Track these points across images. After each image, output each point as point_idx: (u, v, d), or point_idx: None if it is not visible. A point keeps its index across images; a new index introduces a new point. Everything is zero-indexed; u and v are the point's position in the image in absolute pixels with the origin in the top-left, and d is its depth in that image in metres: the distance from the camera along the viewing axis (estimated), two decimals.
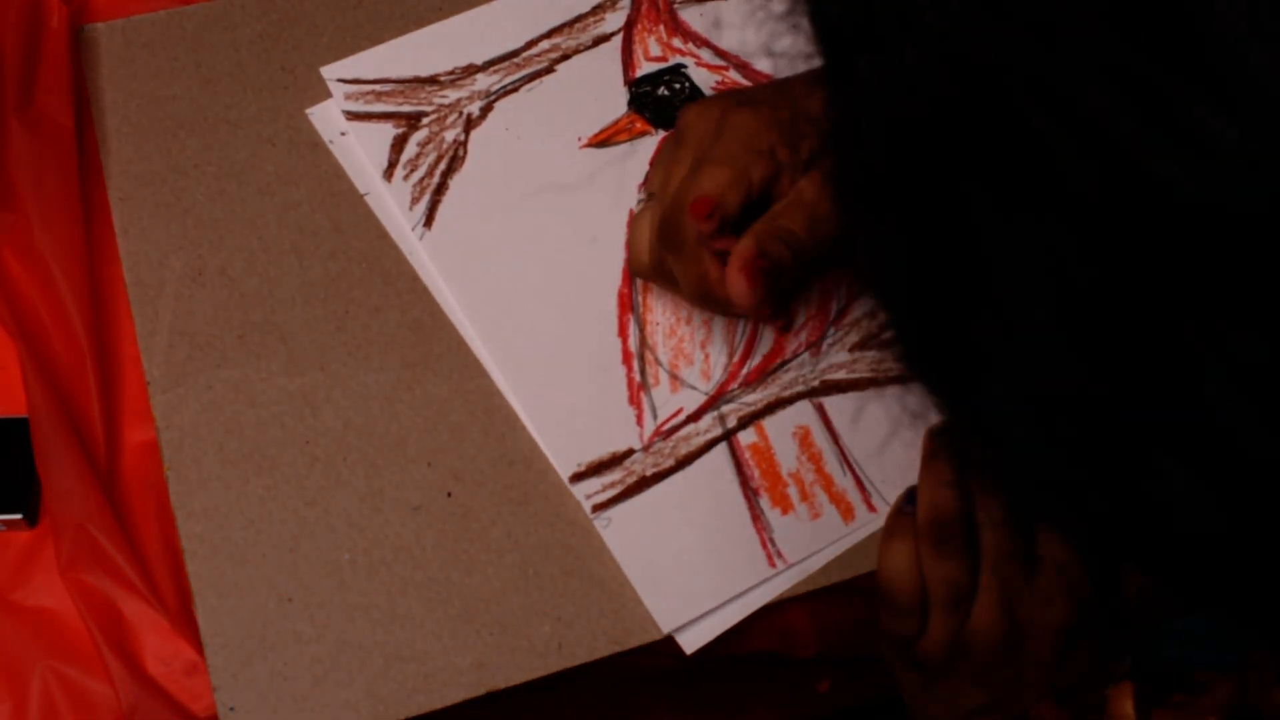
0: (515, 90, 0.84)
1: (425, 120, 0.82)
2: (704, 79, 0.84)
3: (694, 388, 0.75)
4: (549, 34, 0.85)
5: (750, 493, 0.73)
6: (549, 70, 0.84)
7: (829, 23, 0.31)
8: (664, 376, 0.76)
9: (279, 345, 0.76)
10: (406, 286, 0.78)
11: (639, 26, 0.86)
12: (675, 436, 0.74)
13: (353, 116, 0.82)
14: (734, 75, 0.84)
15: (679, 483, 0.73)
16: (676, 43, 0.85)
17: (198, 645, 0.69)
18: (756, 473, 0.73)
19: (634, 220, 0.74)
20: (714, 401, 0.75)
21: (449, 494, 0.72)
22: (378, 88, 0.83)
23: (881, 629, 0.65)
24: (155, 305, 0.76)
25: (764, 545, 0.72)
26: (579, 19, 0.86)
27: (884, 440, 0.74)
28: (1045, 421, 0.30)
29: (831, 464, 0.74)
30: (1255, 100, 0.24)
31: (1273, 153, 0.24)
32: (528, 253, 0.79)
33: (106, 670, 0.68)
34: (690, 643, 0.70)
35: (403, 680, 0.68)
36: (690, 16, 0.86)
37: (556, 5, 0.86)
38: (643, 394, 0.75)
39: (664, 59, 0.85)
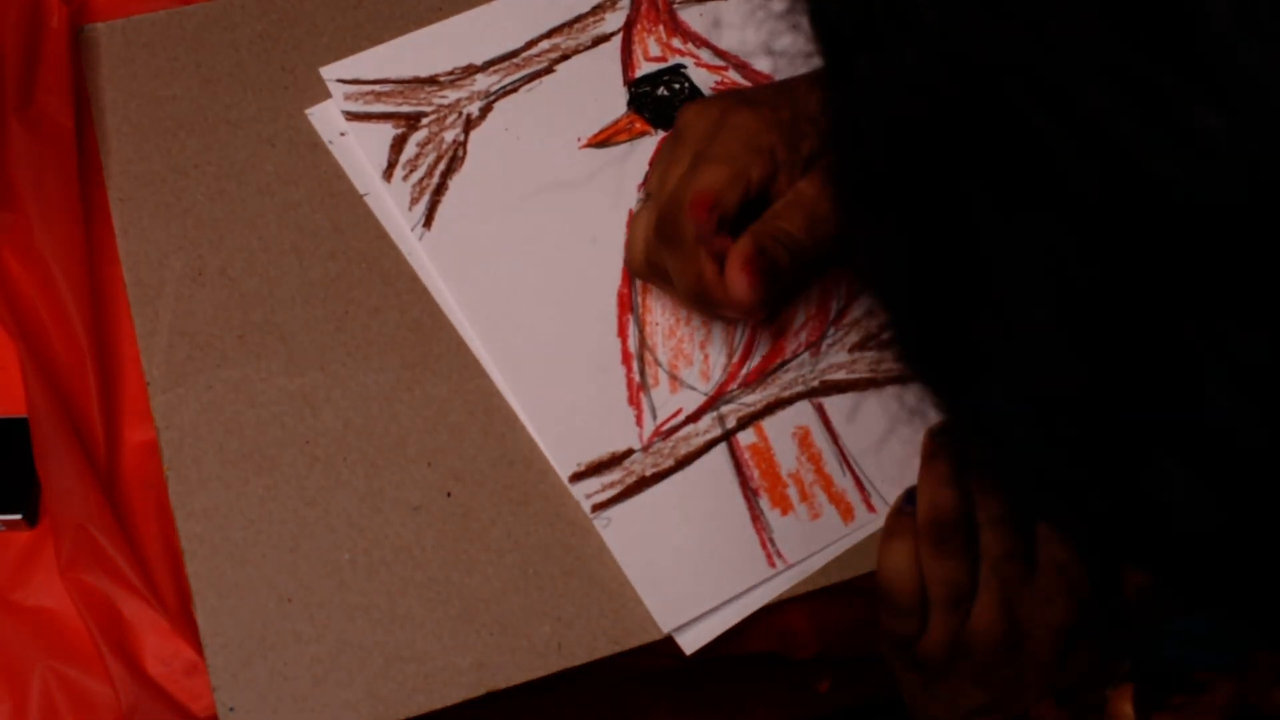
0: (515, 90, 0.84)
1: (425, 120, 0.82)
2: (703, 79, 0.84)
3: (693, 388, 0.75)
4: (549, 34, 0.86)
5: (750, 493, 0.73)
6: (549, 70, 0.84)
7: (828, 22, 0.31)
8: (663, 377, 0.76)
9: (279, 345, 0.76)
10: (406, 287, 0.78)
11: (639, 26, 0.86)
12: (675, 437, 0.74)
13: (352, 117, 0.82)
14: (733, 75, 0.84)
15: (679, 483, 0.73)
16: (676, 43, 0.85)
17: (198, 645, 0.69)
18: (756, 473, 0.73)
19: (632, 219, 0.75)
20: (713, 402, 0.75)
21: (449, 494, 0.72)
22: (377, 88, 0.83)
23: (881, 629, 0.65)
24: (155, 305, 0.76)
25: (764, 545, 0.72)
26: (579, 19, 0.86)
27: (884, 440, 0.74)
28: (1045, 421, 0.30)
29: (831, 464, 0.74)
30: (1247, 97, 0.24)
31: (1265, 149, 0.24)
32: (527, 253, 0.79)
33: (106, 670, 0.68)
34: (690, 643, 0.70)
35: (403, 680, 0.68)
36: (690, 17, 0.86)
37: (556, 5, 0.86)
38: (642, 394, 0.75)
39: (663, 59, 0.85)
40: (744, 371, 0.76)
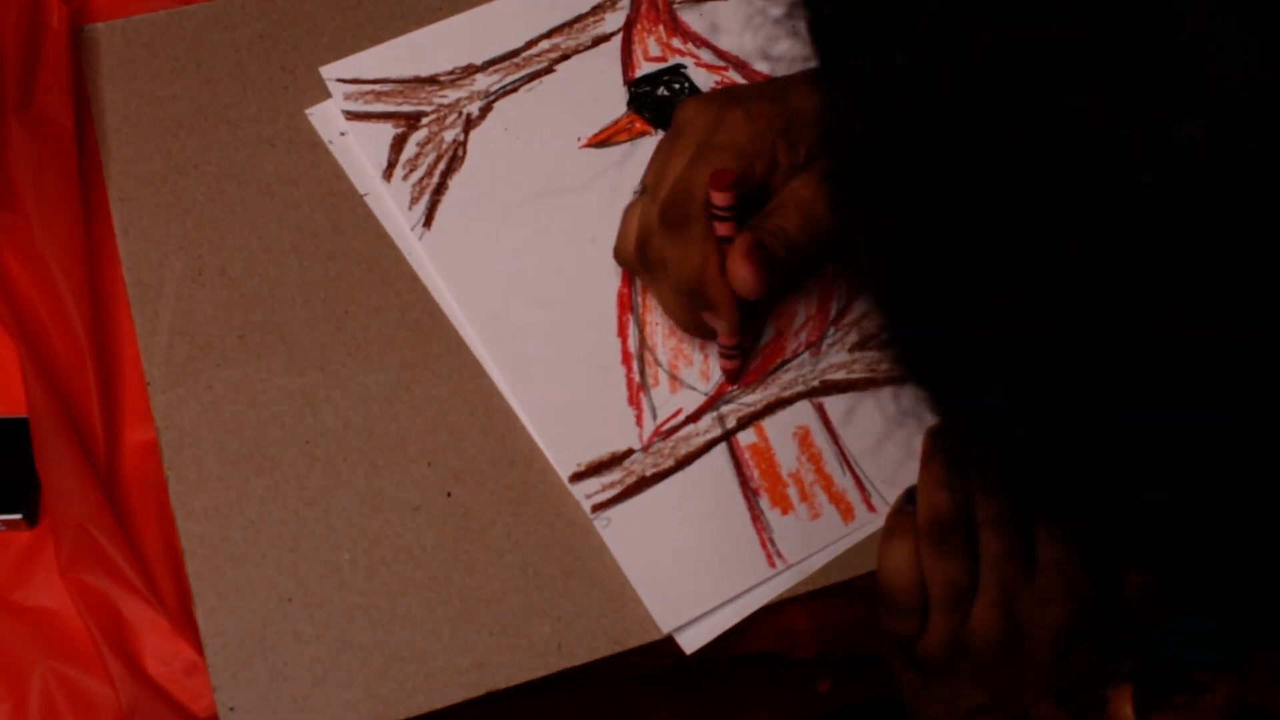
0: (515, 90, 0.84)
1: (425, 120, 0.82)
2: (703, 79, 0.84)
3: (693, 388, 0.75)
4: (549, 34, 0.85)
5: (750, 493, 0.73)
6: (548, 70, 0.84)
7: (824, 24, 0.31)
8: (663, 377, 0.76)
9: (279, 345, 0.76)
10: (406, 286, 0.78)
11: (639, 27, 0.86)
12: (675, 437, 0.74)
13: (352, 116, 0.82)
14: (733, 75, 0.84)
15: (679, 483, 0.73)
16: (676, 43, 0.85)
17: (198, 645, 0.69)
18: (756, 473, 0.73)
19: (625, 211, 0.74)
20: (713, 402, 0.75)
21: (449, 494, 0.72)
22: (377, 88, 0.83)
23: (881, 629, 0.65)
24: (155, 305, 0.76)
25: (764, 545, 0.72)
26: (579, 19, 0.86)
27: (884, 440, 0.74)
28: (1041, 421, 0.30)
29: (831, 464, 0.74)
30: (1225, 102, 0.24)
31: (1243, 152, 0.24)
32: (527, 253, 0.79)
33: (106, 670, 0.68)
34: (690, 643, 0.70)
35: (403, 680, 0.68)
36: (690, 17, 0.86)
37: (556, 5, 0.86)
38: (642, 394, 0.75)
39: (663, 59, 0.85)
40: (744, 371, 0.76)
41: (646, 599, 0.70)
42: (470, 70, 0.84)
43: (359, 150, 0.81)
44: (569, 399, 0.75)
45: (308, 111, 0.83)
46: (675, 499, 0.72)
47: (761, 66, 0.84)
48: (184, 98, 0.83)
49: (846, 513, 0.73)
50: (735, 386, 0.75)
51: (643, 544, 0.71)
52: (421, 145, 0.81)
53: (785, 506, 0.72)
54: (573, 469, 0.73)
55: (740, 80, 0.84)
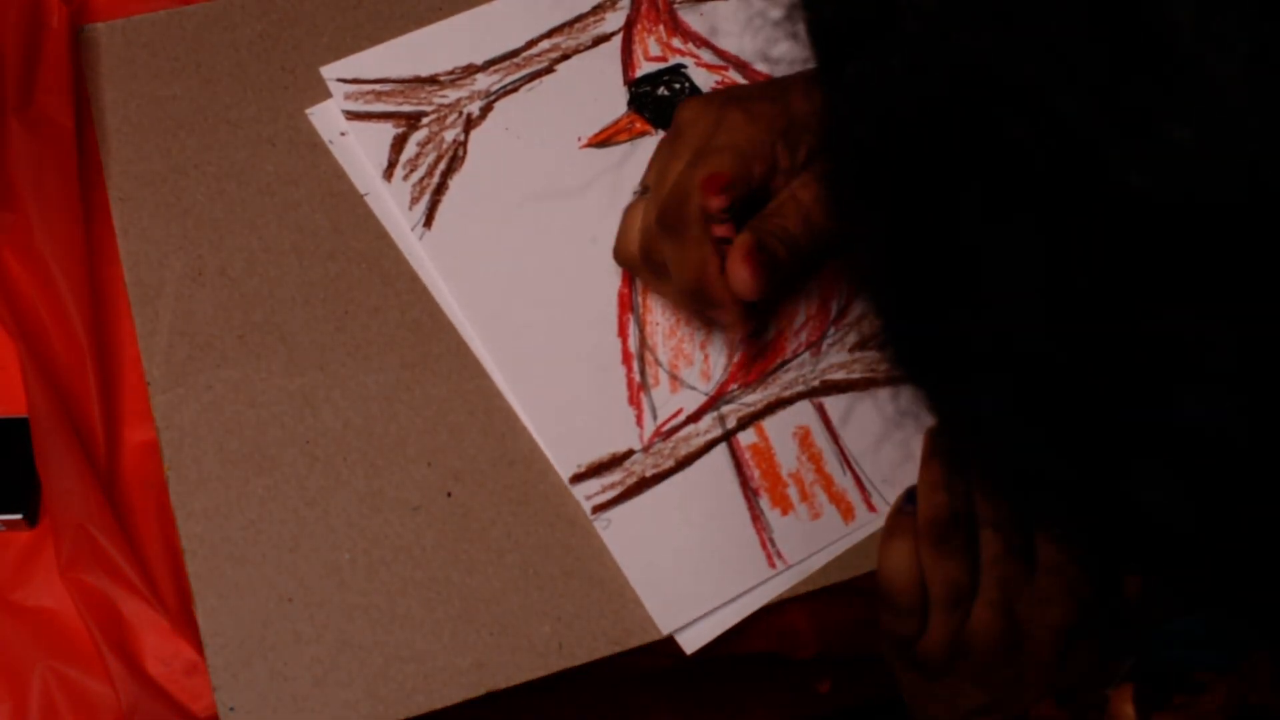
0: (515, 90, 0.84)
1: (425, 120, 0.82)
2: (704, 79, 0.84)
3: (694, 388, 0.75)
4: (549, 34, 0.85)
5: (750, 493, 0.73)
6: (549, 70, 0.84)
7: (822, 26, 0.31)
8: (664, 377, 0.76)
9: (279, 345, 0.76)
10: (406, 286, 0.78)
11: (639, 26, 0.86)
12: (675, 437, 0.74)
13: (352, 116, 0.82)
14: (734, 75, 0.84)
15: (679, 483, 0.73)
16: (676, 43, 0.85)
17: (198, 645, 0.69)
18: (756, 473, 0.73)
19: (625, 211, 0.74)
20: (714, 402, 0.75)
21: (449, 494, 0.72)
22: (377, 87, 0.83)
23: (881, 629, 0.65)
24: (155, 305, 0.76)
25: (764, 545, 0.72)
26: (579, 19, 0.86)
27: (884, 440, 0.74)
28: (1041, 422, 0.30)
29: (831, 464, 0.74)
30: (1213, 108, 0.24)
31: (1232, 156, 0.24)
32: (527, 253, 0.79)
33: (106, 670, 0.68)
34: (690, 643, 0.70)
35: (403, 680, 0.68)
36: (690, 18, 0.86)
37: (557, 5, 0.86)
38: (642, 394, 0.75)
39: (664, 59, 0.85)
40: (744, 371, 0.76)
41: (646, 599, 0.70)
42: (470, 70, 0.84)
43: (359, 150, 0.81)
44: (569, 399, 0.75)
45: (308, 111, 0.83)
46: (675, 499, 0.72)
47: (762, 67, 0.84)
48: (184, 98, 0.83)
49: (847, 513, 0.73)
50: (737, 386, 0.75)
51: (643, 544, 0.71)
52: (422, 145, 0.81)
53: (785, 506, 0.72)
54: (573, 469, 0.73)
55: (741, 80, 0.84)
